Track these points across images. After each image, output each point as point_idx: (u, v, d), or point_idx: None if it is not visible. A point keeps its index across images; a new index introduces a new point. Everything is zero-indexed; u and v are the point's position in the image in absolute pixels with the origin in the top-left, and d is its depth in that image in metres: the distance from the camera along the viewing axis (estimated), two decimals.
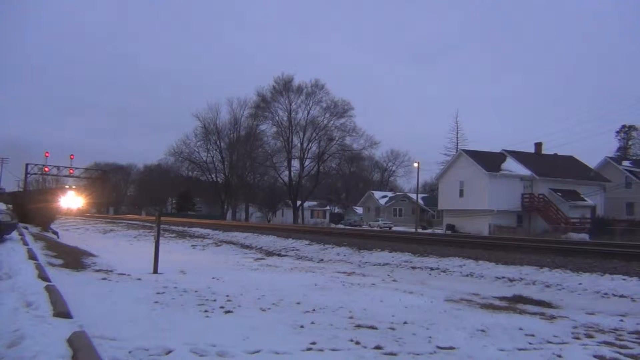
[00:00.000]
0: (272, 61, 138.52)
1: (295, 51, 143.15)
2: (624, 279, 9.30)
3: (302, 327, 5.31)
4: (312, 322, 5.55)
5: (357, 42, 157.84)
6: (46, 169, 48.38)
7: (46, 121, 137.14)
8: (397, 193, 77.38)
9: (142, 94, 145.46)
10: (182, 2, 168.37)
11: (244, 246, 20.87)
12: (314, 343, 4.57)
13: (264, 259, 15.93)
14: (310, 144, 66.21)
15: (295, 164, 67.51)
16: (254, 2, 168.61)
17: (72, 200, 55.59)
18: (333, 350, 4.41)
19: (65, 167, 52.19)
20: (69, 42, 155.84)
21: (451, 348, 4.66)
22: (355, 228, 46.51)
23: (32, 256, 10.03)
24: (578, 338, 5.37)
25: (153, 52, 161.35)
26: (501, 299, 8.39)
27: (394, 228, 52.07)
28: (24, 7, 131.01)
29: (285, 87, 65.26)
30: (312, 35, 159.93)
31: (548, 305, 7.93)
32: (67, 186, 53.85)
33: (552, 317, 6.70)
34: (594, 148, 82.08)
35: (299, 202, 65.94)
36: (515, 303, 7.97)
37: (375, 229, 45.15)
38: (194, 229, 31.09)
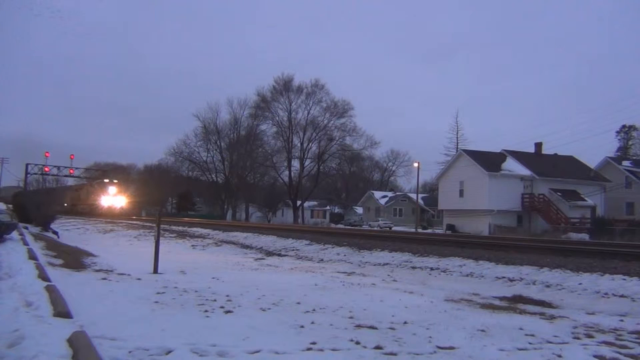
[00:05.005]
0: (272, 60, 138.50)
1: (295, 51, 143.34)
2: (624, 279, 9.29)
3: (302, 327, 5.31)
4: (312, 322, 5.55)
5: (358, 42, 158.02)
6: (46, 169, 48.47)
7: (46, 121, 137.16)
8: (397, 193, 77.39)
9: (142, 93, 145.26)
10: (183, 2, 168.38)
11: (244, 246, 20.86)
12: (314, 343, 4.57)
13: (264, 258, 15.93)
14: (310, 144, 66.27)
15: (295, 164, 67.60)
16: (255, 2, 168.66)
17: (114, 198, 51.63)
18: (333, 350, 4.41)
19: (66, 167, 52.28)
20: (69, 41, 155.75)
21: (451, 348, 4.66)
22: (355, 228, 46.50)
23: (32, 256, 10.05)
24: (578, 338, 5.37)
25: (153, 52, 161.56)
26: (501, 298, 8.40)
27: (394, 228, 52.11)
28: (23, 6, 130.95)
29: (285, 87, 65.31)
30: (312, 35, 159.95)
31: (548, 305, 7.93)
32: (106, 180, 51.28)
33: (552, 317, 6.70)
34: (594, 148, 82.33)
35: (299, 202, 65.93)
36: (515, 303, 7.97)
37: (375, 228, 45.16)
38: (194, 229, 31.06)
